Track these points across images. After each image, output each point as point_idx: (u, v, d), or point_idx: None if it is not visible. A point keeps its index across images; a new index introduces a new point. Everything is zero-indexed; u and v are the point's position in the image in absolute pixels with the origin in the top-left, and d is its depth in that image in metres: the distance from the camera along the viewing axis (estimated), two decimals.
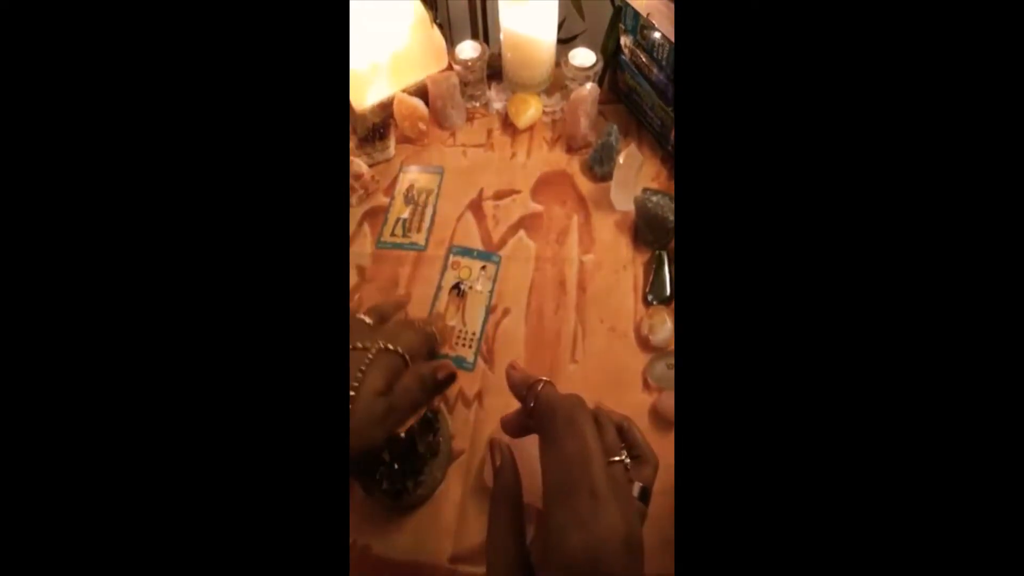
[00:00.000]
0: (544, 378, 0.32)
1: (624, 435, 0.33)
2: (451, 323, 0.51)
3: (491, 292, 0.53)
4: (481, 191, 0.66)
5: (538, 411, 0.31)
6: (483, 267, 0.57)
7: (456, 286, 0.54)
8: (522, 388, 0.33)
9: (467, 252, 0.59)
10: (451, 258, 0.57)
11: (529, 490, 0.34)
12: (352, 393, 0.33)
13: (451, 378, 0.38)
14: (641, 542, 0.27)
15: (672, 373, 0.51)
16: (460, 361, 0.50)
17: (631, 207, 0.60)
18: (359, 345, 0.35)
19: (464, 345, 0.50)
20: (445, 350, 0.50)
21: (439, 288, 0.54)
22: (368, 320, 0.39)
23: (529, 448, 0.43)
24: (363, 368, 0.34)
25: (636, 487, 0.31)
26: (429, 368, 0.37)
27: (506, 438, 0.36)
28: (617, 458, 0.30)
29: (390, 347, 0.36)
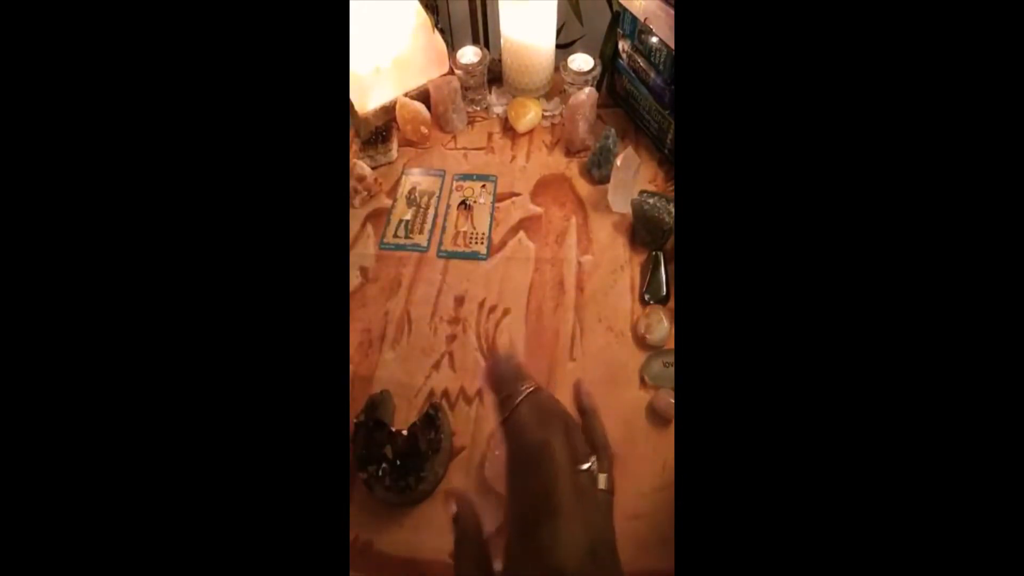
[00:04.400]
0: (527, 388, 0.32)
1: (588, 433, 0.34)
2: (463, 229, 0.65)
3: (492, 203, 0.67)
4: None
5: (509, 430, 0.32)
6: (483, 185, 0.69)
7: (463, 202, 0.67)
8: (503, 386, 0.33)
9: (467, 177, 0.69)
10: (455, 183, 0.69)
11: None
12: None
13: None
14: (611, 542, 0.28)
15: (668, 371, 0.51)
16: (475, 254, 0.62)
17: (628, 209, 0.61)
18: None
19: (477, 243, 0.63)
20: (462, 248, 0.64)
21: (448, 207, 0.66)
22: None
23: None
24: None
25: (602, 479, 0.31)
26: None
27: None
28: (585, 465, 0.30)
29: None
